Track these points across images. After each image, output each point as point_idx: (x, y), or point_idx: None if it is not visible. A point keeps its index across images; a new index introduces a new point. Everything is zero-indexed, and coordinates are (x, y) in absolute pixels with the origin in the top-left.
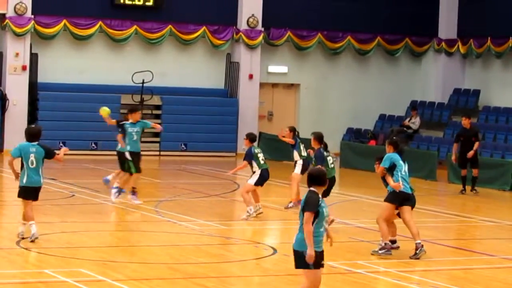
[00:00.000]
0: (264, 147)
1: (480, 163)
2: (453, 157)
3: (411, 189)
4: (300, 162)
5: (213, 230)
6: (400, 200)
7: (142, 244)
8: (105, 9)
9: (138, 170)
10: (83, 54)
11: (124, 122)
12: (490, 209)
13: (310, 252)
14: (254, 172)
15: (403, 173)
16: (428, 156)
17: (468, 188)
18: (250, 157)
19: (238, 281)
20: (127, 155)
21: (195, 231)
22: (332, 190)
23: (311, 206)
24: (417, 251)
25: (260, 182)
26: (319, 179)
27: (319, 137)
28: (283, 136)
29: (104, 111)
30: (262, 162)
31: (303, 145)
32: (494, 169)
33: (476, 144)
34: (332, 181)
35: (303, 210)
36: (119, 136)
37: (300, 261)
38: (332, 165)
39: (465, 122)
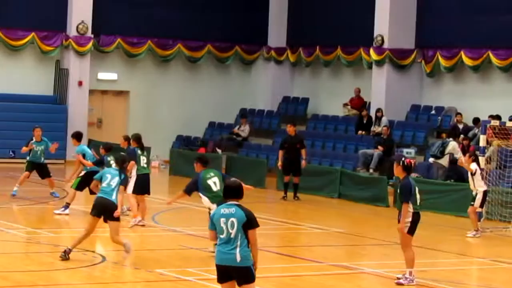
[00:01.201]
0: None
1: (309, 170)
2: (279, 163)
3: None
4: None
5: (42, 238)
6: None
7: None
8: None
9: None
10: None
11: None
12: (319, 216)
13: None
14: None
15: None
16: (257, 164)
17: (290, 195)
18: None
19: None
20: None
21: (23, 239)
22: (162, 198)
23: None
24: None
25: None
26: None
27: (137, 138)
28: None
29: None
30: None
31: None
32: (323, 176)
33: (303, 151)
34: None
35: (253, 226)
36: None
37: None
38: (145, 165)
39: (290, 129)
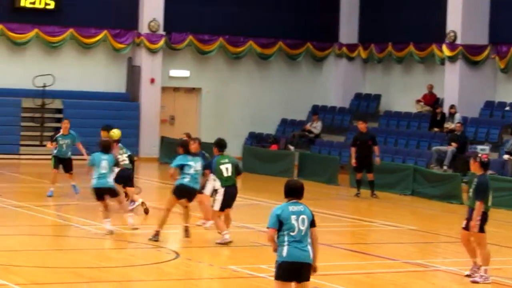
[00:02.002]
0: (166, 151)
1: (381, 167)
2: (352, 161)
3: None
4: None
5: (115, 235)
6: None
7: (44, 248)
8: (6, 13)
9: None
10: None
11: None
12: (391, 213)
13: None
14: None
15: None
16: (329, 161)
17: (367, 192)
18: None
19: (139, 285)
20: None
21: (98, 235)
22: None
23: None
24: None
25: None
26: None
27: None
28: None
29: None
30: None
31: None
32: (395, 173)
33: (376, 148)
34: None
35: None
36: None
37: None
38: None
39: (361, 126)
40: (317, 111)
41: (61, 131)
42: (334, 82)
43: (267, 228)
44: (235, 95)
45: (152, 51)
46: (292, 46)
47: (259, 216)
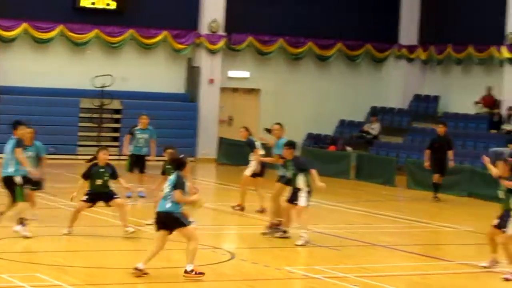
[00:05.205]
0: (224, 152)
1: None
2: (426, 163)
3: None
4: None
5: (171, 236)
6: None
7: (99, 248)
8: (67, 13)
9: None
10: (43, 57)
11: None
12: (448, 215)
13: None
14: None
15: None
16: (387, 162)
17: (428, 194)
18: None
19: (194, 286)
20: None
21: (153, 236)
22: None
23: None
24: None
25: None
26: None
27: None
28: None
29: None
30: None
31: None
32: (453, 175)
33: (450, 152)
34: None
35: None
36: None
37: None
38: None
39: (441, 130)
40: (375, 112)
41: (139, 125)
42: (393, 84)
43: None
44: (294, 96)
45: (212, 52)
46: (351, 47)
47: (317, 217)
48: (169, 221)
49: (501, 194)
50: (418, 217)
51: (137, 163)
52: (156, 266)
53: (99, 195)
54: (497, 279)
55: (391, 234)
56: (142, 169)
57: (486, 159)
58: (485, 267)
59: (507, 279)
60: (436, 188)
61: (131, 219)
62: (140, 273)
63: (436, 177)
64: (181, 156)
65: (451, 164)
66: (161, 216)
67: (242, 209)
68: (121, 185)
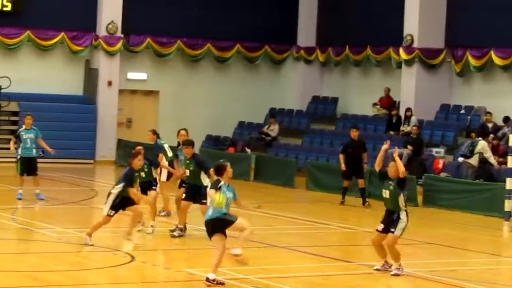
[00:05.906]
0: (123, 154)
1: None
2: (342, 166)
3: None
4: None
5: (71, 238)
6: None
7: (0, 252)
8: None
9: None
10: None
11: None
12: (348, 216)
13: None
14: None
15: None
16: (286, 164)
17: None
18: None
19: None
20: None
21: (52, 239)
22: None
23: None
24: None
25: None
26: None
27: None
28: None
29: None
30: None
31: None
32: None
33: (365, 155)
34: None
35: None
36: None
37: None
38: None
39: (354, 134)
40: (274, 114)
41: (24, 126)
42: (292, 85)
43: None
44: (193, 98)
45: (110, 54)
46: (250, 49)
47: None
48: (218, 226)
49: (385, 194)
50: (318, 218)
51: (29, 166)
52: (55, 269)
53: None
54: (399, 280)
55: (292, 235)
56: (34, 171)
57: (388, 144)
58: (378, 269)
59: (396, 275)
60: (344, 192)
61: (31, 221)
62: (214, 283)
63: (348, 183)
64: (221, 162)
65: (364, 167)
66: (209, 225)
67: (168, 214)
68: None
